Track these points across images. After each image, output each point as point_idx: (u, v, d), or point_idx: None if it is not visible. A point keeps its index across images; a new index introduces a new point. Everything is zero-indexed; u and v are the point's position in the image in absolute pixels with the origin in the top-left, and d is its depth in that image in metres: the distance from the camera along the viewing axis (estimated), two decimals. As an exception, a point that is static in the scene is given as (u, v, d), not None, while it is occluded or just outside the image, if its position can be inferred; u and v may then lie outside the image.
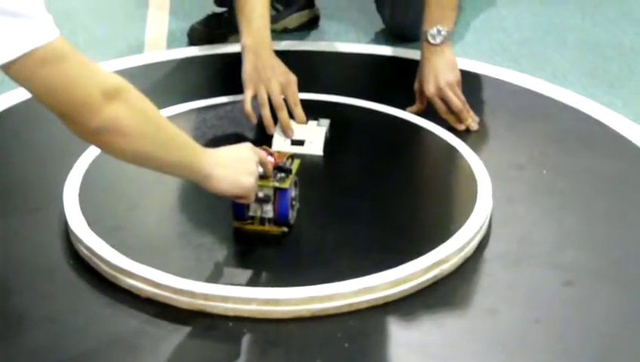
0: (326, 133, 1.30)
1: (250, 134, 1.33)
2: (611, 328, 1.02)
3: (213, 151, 1.05)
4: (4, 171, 1.29)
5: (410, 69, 1.44)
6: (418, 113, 1.38)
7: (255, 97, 1.32)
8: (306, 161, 1.23)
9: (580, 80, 1.58)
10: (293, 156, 1.16)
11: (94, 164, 1.24)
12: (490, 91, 1.50)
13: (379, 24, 1.76)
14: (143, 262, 1.06)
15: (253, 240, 1.11)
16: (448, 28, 1.38)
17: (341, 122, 1.34)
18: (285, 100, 1.32)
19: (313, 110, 1.34)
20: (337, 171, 1.28)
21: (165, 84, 1.54)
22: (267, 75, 1.33)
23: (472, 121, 1.36)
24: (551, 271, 1.10)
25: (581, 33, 1.78)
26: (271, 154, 1.14)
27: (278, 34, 1.70)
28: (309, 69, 1.56)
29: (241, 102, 1.35)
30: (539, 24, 1.82)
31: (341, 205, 1.19)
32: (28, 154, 1.34)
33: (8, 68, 0.88)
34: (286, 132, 1.30)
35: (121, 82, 0.95)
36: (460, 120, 1.36)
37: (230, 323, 1.02)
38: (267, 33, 1.37)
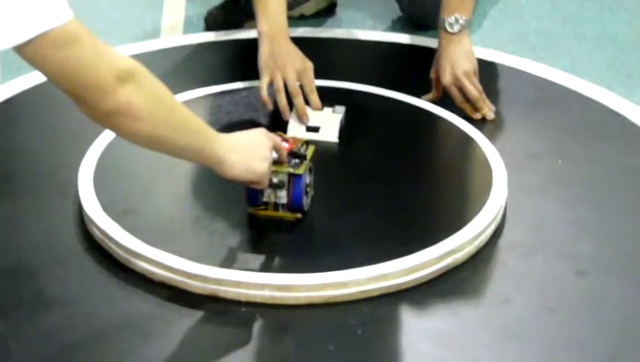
0: (341, 120, 1.30)
1: (266, 120, 1.33)
2: (625, 318, 1.02)
3: (227, 136, 1.05)
4: (20, 155, 1.29)
5: (426, 57, 1.43)
6: (434, 101, 1.38)
7: (271, 84, 1.32)
8: (321, 147, 1.23)
9: (597, 71, 1.58)
10: (307, 142, 1.16)
11: (109, 148, 1.24)
12: (506, 80, 1.49)
13: (396, 12, 1.75)
14: (156, 246, 1.06)
15: (267, 226, 1.11)
16: (466, 16, 1.37)
17: (357, 109, 1.34)
18: (301, 87, 1.32)
19: (329, 97, 1.34)
20: (352, 158, 1.27)
21: (181, 69, 1.54)
22: (283, 62, 1.33)
23: (488, 111, 1.36)
24: (565, 261, 1.10)
25: (600, 24, 1.77)
26: (286, 140, 1.13)
27: (294, 20, 1.70)
28: (326, 56, 1.56)
29: (257, 88, 1.34)
30: (557, 14, 1.81)
31: (355, 192, 1.19)
32: (43, 138, 1.34)
33: (22, 49, 0.88)
34: (301, 118, 1.29)
35: (135, 65, 0.95)
36: (476, 109, 1.36)
37: (243, 309, 1.02)
38: (284, 20, 1.37)
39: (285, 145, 1.12)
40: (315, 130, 1.29)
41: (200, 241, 1.10)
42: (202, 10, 1.73)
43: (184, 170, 1.20)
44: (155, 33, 1.73)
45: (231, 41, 1.63)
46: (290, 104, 1.31)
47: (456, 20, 1.37)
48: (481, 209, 1.13)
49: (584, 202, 1.20)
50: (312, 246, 1.10)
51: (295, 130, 1.28)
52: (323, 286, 1.03)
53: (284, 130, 1.27)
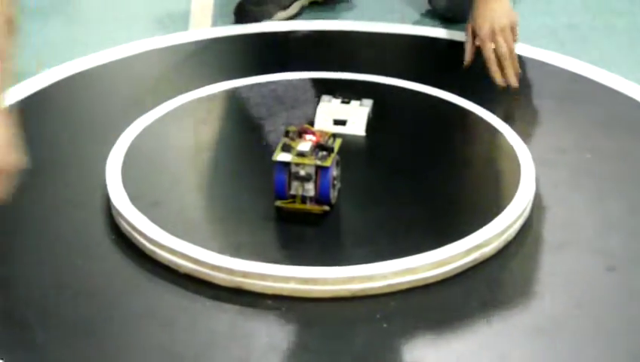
0: (369, 113, 1.29)
1: (293, 113, 1.32)
2: (654, 315, 1.01)
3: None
4: (48, 147, 1.30)
5: (454, 51, 1.43)
6: (467, 66, 1.37)
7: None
8: (348, 140, 1.23)
9: (627, 65, 1.56)
10: (335, 135, 1.15)
11: (137, 140, 1.25)
12: (535, 74, 1.48)
13: (423, 4, 1.74)
14: (182, 238, 1.06)
15: (294, 219, 1.11)
16: None
17: (384, 103, 1.34)
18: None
19: (356, 90, 1.34)
20: (379, 151, 1.27)
21: (209, 61, 1.54)
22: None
23: (511, 73, 1.35)
24: (594, 256, 1.09)
25: (630, 18, 1.76)
26: (313, 132, 1.13)
27: (308, 7, 1.69)
28: (352, 49, 1.55)
29: (284, 81, 1.34)
30: (587, 8, 1.80)
31: (382, 185, 1.19)
32: (72, 131, 1.34)
33: None
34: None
35: None
36: (501, 68, 1.35)
37: (269, 301, 1.02)
38: None
39: (313, 137, 1.12)
40: (342, 123, 1.28)
41: (226, 234, 1.10)
42: (231, 2, 1.73)
43: (212, 162, 1.20)
44: (184, 25, 1.73)
45: (258, 34, 1.63)
46: (317, 96, 1.31)
47: None
48: (509, 203, 1.13)
49: (613, 196, 1.19)
50: (339, 240, 1.10)
51: (322, 122, 1.28)
52: (349, 280, 1.02)
53: (312, 123, 1.26)
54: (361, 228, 1.12)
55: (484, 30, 1.35)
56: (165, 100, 1.34)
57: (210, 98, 1.36)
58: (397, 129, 1.31)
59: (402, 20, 1.71)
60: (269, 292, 1.02)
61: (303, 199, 1.11)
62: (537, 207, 1.16)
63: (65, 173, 1.24)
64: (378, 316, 1.01)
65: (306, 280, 1.02)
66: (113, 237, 1.11)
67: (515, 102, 1.39)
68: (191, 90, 1.37)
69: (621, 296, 1.04)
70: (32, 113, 1.37)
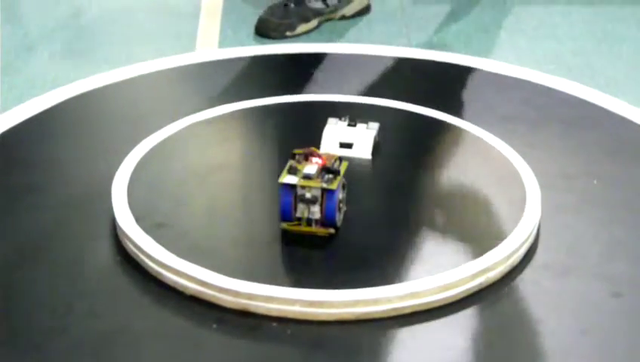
0: (375, 136, 1.30)
1: (299, 135, 1.32)
2: (659, 342, 1.01)
3: None
4: (53, 167, 1.30)
5: (460, 75, 1.43)
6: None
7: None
8: (354, 163, 1.23)
9: (633, 90, 1.57)
10: (341, 158, 1.15)
11: (143, 161, 1.25)
12: (541, 99, 1.49)
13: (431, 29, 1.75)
14: (188, 260, 1.06)
15: (300, 242, 1.11)
16: None
17: (390, 126, 1.34)
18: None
19: (363, 114, 1.34)
20: (385, 175, 1.27)
21: (216, 83, 1.54)
22: None
23: None
24: (599, 282, 1.09)
25: (636, 43, 1.76)
26: (319, 155, 1.13)
27: (336, 21, 1.70)
28: (360, 72, 1.56)
29: (287, 104, 1.34)
30: (592, 33, 1.81)
31: (388, 209, 1.19)
32: (77, 150, 1.34)
33: None
34: None
35: None
36: None
37: (274, 324, 1.02)
38: None
39: (319, 160, 1.12)
40: (349, 146, 1.28)
41: (232, 255, 1.10)
42: (237, 24, 1.74)
43: (218, 183, 1.20)
44: (191, 47, 1.74)
45: (264, 56, 1.63)
46: (323, 119, 1.31)
47: None
48: (514, 228, 1.13)
49: (619, 223, 1.19)
50: (344, 262, 1.10)
51: (328, 145, 1.28)
52: (354, 303, 1.02)
53: (318, 146, 1.26)
54: (366, 252, 1.11)
55: None
56: (171, 121, 1.35)
57: (216, 120, 1.37)
58: (403, 152, 1.31)
59: (409, 44, 1.72)
60: (275, 314, 1.02)
61: (309, 222, 1.12)
62: (543, 232, 1.17)
63: (70, 193, 1.24)
64: (383, 339, 1.00)
65: (311, 303, 1.02)
66: (119, 258, 1.11)
67: (521, 127, 1.39)
68: (197, 111, 1.38)
69: (627, 322, 1.04)
70: (37, 133, 1.37)
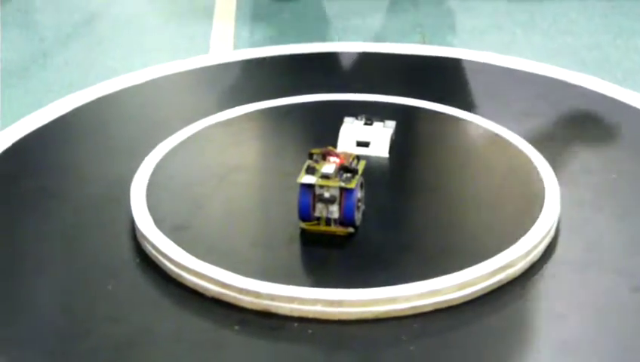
0: (392, 134, 1.29)
1: (316, 134, 1.33)
2: (681, 335, 1.01)
3: None
4: (72, 171, 1.30)
5: (477, 72, 1.43)
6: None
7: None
8: (371, 162, 1.23)
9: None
10: (358, 157, 1.15)
11: (161, 163, 1.25)
12: (558, 94, 1.48)
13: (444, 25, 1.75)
14: (208, 261, 1.06)
15: (319, 241, 1.11)
16: None
17: (407, 124, 1.34)
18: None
19: (379, 112, 1.34)
20: (402, 173, 1.27)
21: (231, 85, 1.55)
22: None
23: None
24: (620, 277, 1.09)
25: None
26: (336, 154, 1.13)
27: None
28: (375, 71, 1.56)
29: (302, 104, 1.34)
30: (609, 28, 1.80)
31: (406, 207, 1.19)
32: (95, 154, 1.35)
33: None
34: None
35: None
36: None
37: (295, 324, 1.02)
38: None
39: (336, 160, 1.12)
40: (366, 144, 1.28)
41: (252, 256, 1.10)
42: (251, 27, 1.74)
43: (236, 184, 1.20)
44: (205, 49, 1.74)
45: (279, 57, 1.64)
46: (339, 118, 1.31)
47: None
48: (534, 223, 1.13)
49: (638, 217, 1.19)
50: (363, 262, 1.10)
51: (345, 144, 1.28)
52: (374, 302, 1.02)
53: (335, 145, 1.26)
54: (385, 250, 1.11)
55: None
56: (189, 123, 1.35)
57: (233, 121, 1.37)
58: (419, 150, 1.31)
59: (423, 41, 1.72)
60: (296, 314, 1.02)
61: (328, 221, 1.12)
62: (562, 227, 1.16)
63: (88, 197, 1.24)
64: (404, 338, 1.00)
65: (331, 303, 1.02)
66: (138, 260, 1.12)
67: (538, 122, 1.39)
68: (214, 113, 1.38)
69: (648, 317, 1.04)
70: (55, 138, 1.38)
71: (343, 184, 1.10)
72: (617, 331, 1.02)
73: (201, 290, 1.05)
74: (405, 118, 1.35)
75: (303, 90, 1.39)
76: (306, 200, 1.11)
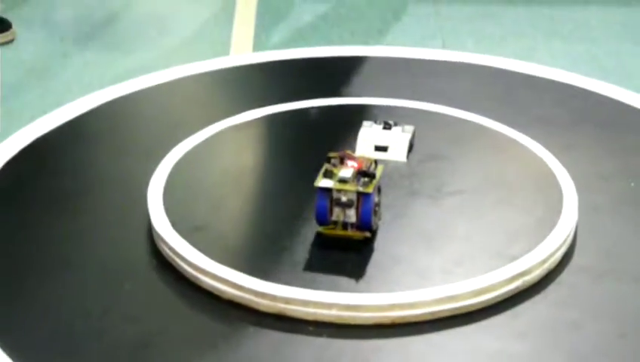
0: (410, 139, 1.29)
1: (335, 138, 1.32)
2: (699, 345, 1.00)
3: None
4: (89, 171, 1.31)
5: (496, 77, 1.43)
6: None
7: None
8: (389, 166, 1.23)
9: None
10: (376, 161, 1.15)
11: (178, 165, 1.25)
12: (576, 101, 1.48)
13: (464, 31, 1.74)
14: (225, 264, 1.06)
15: (336, 245, 1.11)
16: None
17: (425, 129, 1.34)
18: None
19: (399, 116, 1.34)
20: (420, 178, 1.27)
21: (250, 86, 1.55)
22: None
23: None
24: (637, 284, 1.08)
25: (672, 44, 1.75)
26: (354, 158, 1.13)
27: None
28: (395, 75, 1.56)
29: (323, 107, 1.34)
30: (628, 35, 1.80)
31: (424, 212, 1.19)
32: (113, 154, 1.35)
33: None
34: None
35: None
36: None
37: (310, 328, 1.02)
38: None
39: (354, 164, 1.12)
40: (384, 149, 1.28)
41: (269, 259, 1.10)
42: (271, 27, 1.74)
43: (253, 187, 1.20)
44: (225, 51, 1.74)
45: (298, 60, 1.63)
46: (358, 122, 1.31)
47: None
48: (551, 231, 1.12)
49: (657, 225, 1.18)
50: (380, 266, 1.10)
51: (363, 148, 1.28)
52: (391, 307, 1.02)
53: (353, 149, 1.26)
54: (402, 255, 1.11)
55: None
56: (206, 126, 1.35)
57: (251, 123, 1.37)
58: (438, 155, 1.31)
59: (443, 46, 1.72)
60: (311, 318, 1.02)
61: (345, 225, 1.11)
62: (580, 234, 1.16)
63: (105, 198, 1.24)
64: (420, 344, 1.00)
65: (348, 307, 1.02)
66: (155, 262, 1.12)
67: (556, 129, 1.39)
68: (232, 115, 1.38)
69: (665, 326, 1.03)
70: (72, 138, 1.38)
71: (360, 188, 1.10)
72: (634, 340, 1.01)
73: (216, 292, 1.06)
74: (424, 123, 1.35)
75: (322, 93, 1.39)
76: (323, 204, 1.10)
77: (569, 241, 1.14)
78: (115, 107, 1.47)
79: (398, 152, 1.28)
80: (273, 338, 1.01)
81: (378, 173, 1.13)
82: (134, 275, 1.10)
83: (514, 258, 1.08)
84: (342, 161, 1.14)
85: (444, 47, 1.73)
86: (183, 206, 1.19)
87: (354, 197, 1.10)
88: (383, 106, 1.41)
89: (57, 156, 1.35)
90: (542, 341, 1.01)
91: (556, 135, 1.38)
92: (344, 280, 1.07)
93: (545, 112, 1.44)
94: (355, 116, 1.33)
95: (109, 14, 1.86)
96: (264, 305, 1.03)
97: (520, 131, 1.34)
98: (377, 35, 1.79)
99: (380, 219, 1.14)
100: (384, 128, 1.30)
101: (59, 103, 1.43)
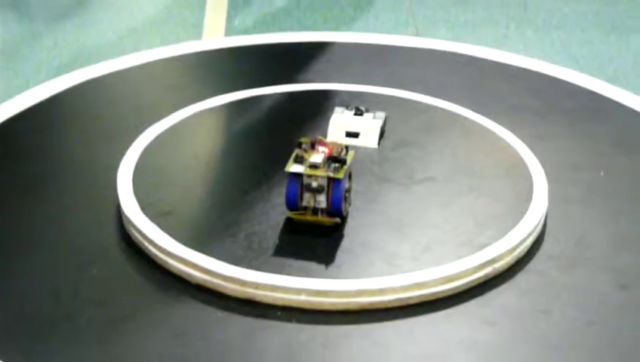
0: (382, 126, 1.29)
1: (305, 124, 1.32)
2: (666, 334, 1.01)
3: None
4: (58, 156, 1.30)
5: (468, 65, 1.43)
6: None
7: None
8: (360, 152, 1.23)
9: (642, 82, 1.56)
10: (347, 147, 1.15)
11: (148, 149, 1.24)
12: (549, 90, 1.48)
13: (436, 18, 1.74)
14: (194, 248, 1.06)
15: (306, 231, 1.11)
16: None
17: (397, 116, 1.33)
18: None
19: (369, 102, 1.34)
20: (391, 164, 1.27)
21: (221, 71, 1.54)
22: None
23: None
24: (606, 273, 1.09)
25: (644, 34, 1.76)
26: (325, 144, 1.13)
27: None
28: (366, 61, 1.55)
29: (295, 92, 1.34)
30: (601, 24, 1.80)
31: (394, 199, 1.19)
32: (82, 138, 1.34)
33: None
34: None
35: None
36: None
37: (278, 313, 1.01)
38: None
39: (325, 149, 1.12)
40: (355, 135, 1.28)
41: (238, 244, 1.10)
42: (244, 12, 1.74)
43: (223, 172, 1.20)
44: (197, 33, 1.73)
45: (270, 45, 1.63)
46: (330, 107, 1.30)
47: None
48: (521, 219, 1.12)
49: (626, 214, 1.19)
50: (350, 252, 1.10)
51: (335, 134, 1.28)
52: (359, 293, 1.02)
53: (324, 135, 1.26)
54: (372, 241, 1.11)
55: None
56: (177, 110, 1.34)
57: (222, 108, 1.36)
58: (409, 142, 1.31)
59: (416, 33, 1.72)
60: (280, 303, 1.02)
61: (315, 211, 1.11)
62: (550, 223, 1.16)
63: (75, 182, 1.24)
64: (388, 330, 1.00)
65: (317, 292, 1.02)
66: (123, 245, 1.11)
67: (528, 118, 1.39)
68: (203, 99, 1.37)
69: (634, 314, 1.04)
70: (40, 121, 1.37)
71: (331, 174, 1.10)
72: (602, 328, 1.02)
73: (185, 277, 1.05)
74: (396, 110, 1.35)
75: (294, 78, 1.38)
76: (293, 189, 1.10)
77: (539, 229, 1.14)
78: (84, 90, 1.46)
79: (369, 139, 1.28)
80: (242, 323, 1.01)
81: (349, 158, 1.13)
82: (103, 259, 1.10)
83: (483, 245, 1.08)
84: (313, 147, 1.13)
85: (416, 34, 1.73)
86: (153, 190, 1.18)
87: (325, 182, 1.10)
88: (355, 92, 1.40)
89: (25, 140, 1.34)
90: (510, 329, 1.02)
91: (528, 123, 1.38)
92: (313, 266, 1.07)
93: (517, 100, 1.44)
94: (327, 102, 1.33)
95: (81, -4, 1.85)
96: (233, 289, 1.03)
97: (491, 119, 1.34)
98: (350, 22, 1.78)
99: (350, 204, 1.14)
100: (355, 114, 1.30)
101: (27, 86, 1.42)
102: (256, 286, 1.02)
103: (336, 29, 1.66)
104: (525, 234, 1.11)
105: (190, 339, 0.98)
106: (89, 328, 1.00)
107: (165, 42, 1.59)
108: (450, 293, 1.05)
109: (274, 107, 1.38)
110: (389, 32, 1.69)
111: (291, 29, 1.63)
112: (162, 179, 1.21)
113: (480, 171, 1.27)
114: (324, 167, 1.11)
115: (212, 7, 1.77)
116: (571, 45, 1.63)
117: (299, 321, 1.01)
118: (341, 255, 1.09)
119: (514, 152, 1.27)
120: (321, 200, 1.10)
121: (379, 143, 1.28)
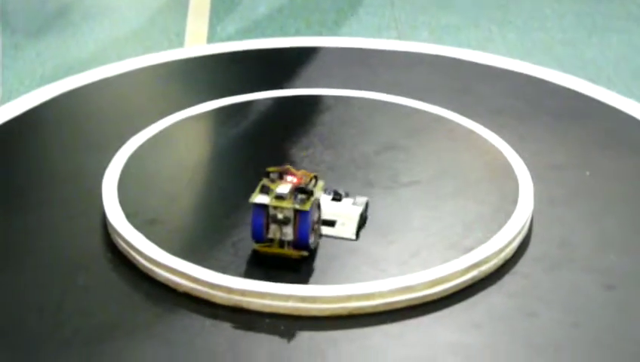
0: (362, 212, 1.16)
1: (289, 129, 1.32)
2: (653, 333, 1.01)
3: None
4: (44, 163, 1.29)
5: (451, 68, 1.43)
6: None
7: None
8: (345, 158, 1.22)
9: (624, 81, 1.57)
10: (316, 177, 1.11)
11: (133, 158, 1.24)
12: (531, 91, 1.49)
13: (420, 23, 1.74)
14: (180, 256, 1.06)
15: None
16: None
17: (382, 120, 1.34)
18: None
19: (355, 107, 1.33)
20: (376, 169, 1.27)
21: (204, 78, 1.54)
22: None
23: None
24: (592, 274, 1.09)
25: (626, 34, 1.76)
26: (293, 174, 1.10)
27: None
28: (350, 66, 1.55)
29: (279, 98, 1.34)
30: (582, 24, 1.80)
31: (379, 204, 1.19)
32: (67, 147, 1.34)
33: None
34: None
35: None
36: None
37: (267, 320, 1.01)
38: None
39: (293, 179, 1.08)
40: (331, 224, 1.15)
41: (224, 252, 1.09)
42: (226, 18, 1.74)
43: (208, 179, 1.20)
44: (179, 42, 1.73)
45: (253, 51, 1.63)
46: (313, 113, 1.30)
47: None
48: (507, 221, 1.13)
49: (612, 215, 1.19)
50: (336, 257, 1.10)
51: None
52: (347, 298, 1.02)
53: (309, 140, 1.26)
54: (358, 246, 1.11)
55: None
56: (161, 118, 1.34)
57: (206, 116, 1.36)
58: (394, 145, 1.31)
59: (398, 37, 1.72)
60: (268, 310, 1.02)
61: (282, 243, 1.08)
62: (535, 224, 1.16)
63: (60, 191, 1.23)
64: (376, 334, 1.00)
65: (304, 299, 1.02)
66: (109, 255, 1.11)
67: (512, 119, 1.39)
68: (187, 107, 1.37)
69: (619, 315, 1.04)
70: (25, 131, 1.37)
71: (297, 206, 1.06)
72: (589, 329, 1.02)
73: (172, 285, 1.05)
74: (380, 114, 1.35)
75: (278, 84, 1.38)
76: (259, 221, 1.07)
77: (524, 231, 1.14)
78: (68, 99, 1.45)
79: (346, 229, 1.14)
80: (229, 330, 1.00)
81: (317, 189, 1.10)
82: (89, 268, 1.09)
83: (470, 248, 1.08)
84: (281, 177, 1.10)
85: (399, 37, 1.73)
86: (138, 198, 1.18)
87: (291, 214, 1.06)
88: (338, 97, 1.41)
89: (10, 149, 1.33)
90: (497, 331, 1.02)
91: (512, 125, 1.38)
92: (301, 272, 1.07)
93: (501, 102, 1.44)
94: (313, 107, 1.33)
95: (62, 5, 1.84)
96: (220, 297, 1.03)
97: (476, 121, 1.35)
98: (333, 26, 1.78)
99: (321, 236, 1.11)
100: (333, 199, 1.18)
101: (10, 96, 1.42)
102: (243, 293, 1.02)
103: (320, 33, 1.66)
104: (511, 237, 1.11)
105: (177, 348, 0.98)
106: (75, 339, 0.99)
107: (148, 51, 1.59)
108: (437, 297, 1.05)
109: (259, 113, 1.38)
110: (372, 36, 1.69)
111: (274, 35, 1.63)
112: (147, 188, 1.21)
113: (465, 174, 1.27)
114: (290, 198, 1.07)
115: (194, 15, 1.77)
116: (554, 46, 1.64)
117: (287, 328, 1.00)
118: (328, 261, 1.09)
119: (499, 154, 1.27)
120: (288, 233, 1.07)
121: (357, 234, 1.15)
